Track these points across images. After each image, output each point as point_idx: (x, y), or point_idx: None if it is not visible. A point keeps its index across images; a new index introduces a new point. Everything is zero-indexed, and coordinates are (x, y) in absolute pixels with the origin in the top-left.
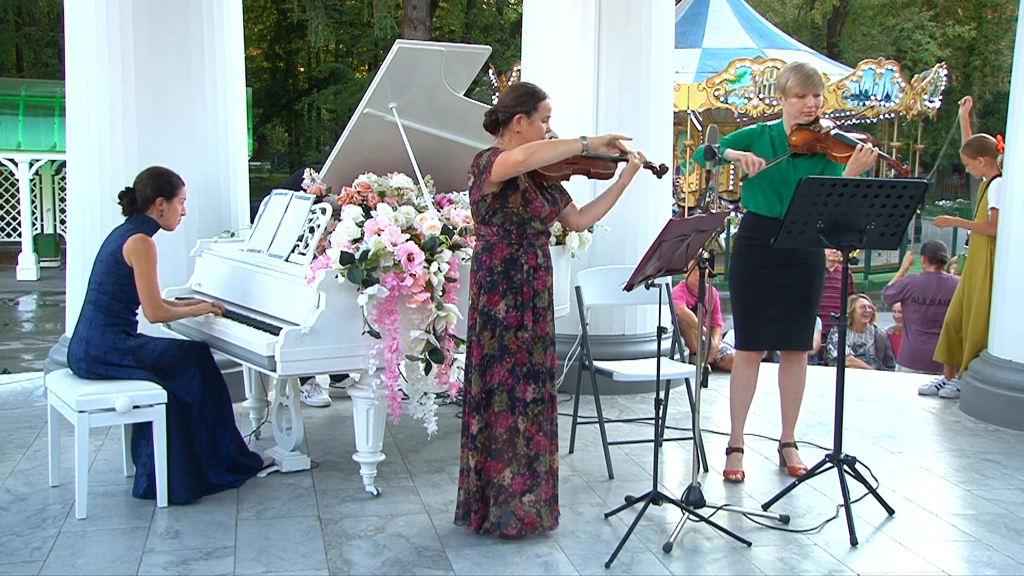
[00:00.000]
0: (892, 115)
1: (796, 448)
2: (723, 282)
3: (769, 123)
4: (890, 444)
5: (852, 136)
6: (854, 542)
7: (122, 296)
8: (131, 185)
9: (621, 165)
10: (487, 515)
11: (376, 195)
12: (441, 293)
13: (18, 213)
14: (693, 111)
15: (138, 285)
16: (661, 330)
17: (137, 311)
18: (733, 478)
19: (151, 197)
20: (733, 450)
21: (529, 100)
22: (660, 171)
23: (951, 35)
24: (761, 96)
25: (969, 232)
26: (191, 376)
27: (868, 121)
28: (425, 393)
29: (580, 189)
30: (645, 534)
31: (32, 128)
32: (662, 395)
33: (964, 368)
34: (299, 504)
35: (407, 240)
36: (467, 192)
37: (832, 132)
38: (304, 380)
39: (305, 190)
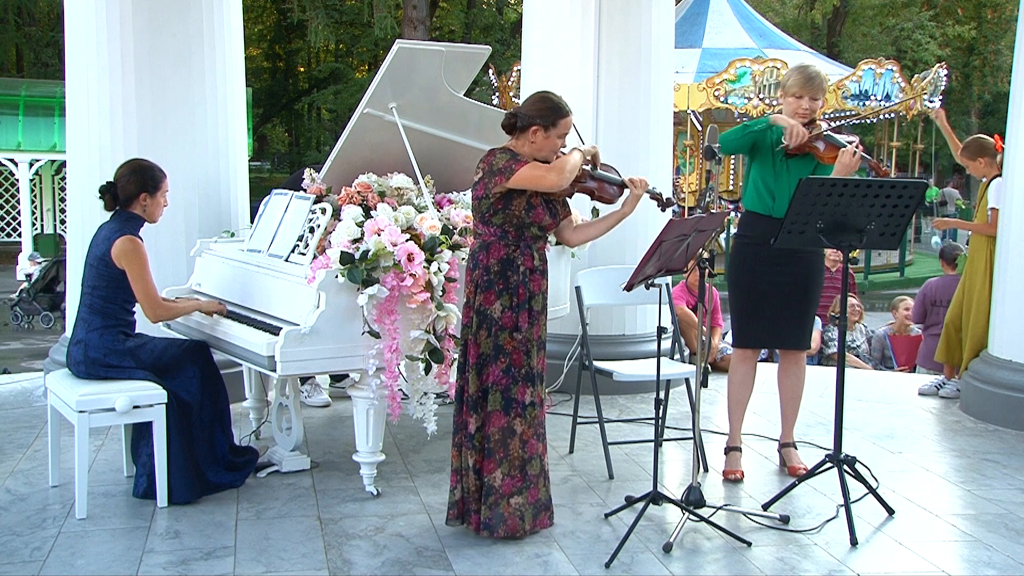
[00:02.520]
0: (892, 115)
1: (796, 448)
2: (723, 282)
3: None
4: (890, 444)
5: (842, 138)
6: (854, 542)
7: (116, 298)
8: (111, 179)
9: (626, 192)
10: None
11: (376, 195)
12: (441, 293)
13: (18, 213)
14: (693, 111)
15: (133, 288)
16: (661, 330)
17: (134, 310)
18: (732, 478)
19: (135, 193)
20: (731, 449)
21: (550, 115)
22: (664, 204)
23: (951, 35)
24: (761, 96)
25: (969, 232)
26: (191, 375)
27: (868, 121)
28: (425, 393)
29: (580, 204)
30: (645, 534)
31: (32, 128)
32: (662, 395)
33: (964, 368)
34: (299, 504)
35: (407, 240)
36: (470, 188)
37: (824, 133)
38: (304, 380)
39: (305, 190)
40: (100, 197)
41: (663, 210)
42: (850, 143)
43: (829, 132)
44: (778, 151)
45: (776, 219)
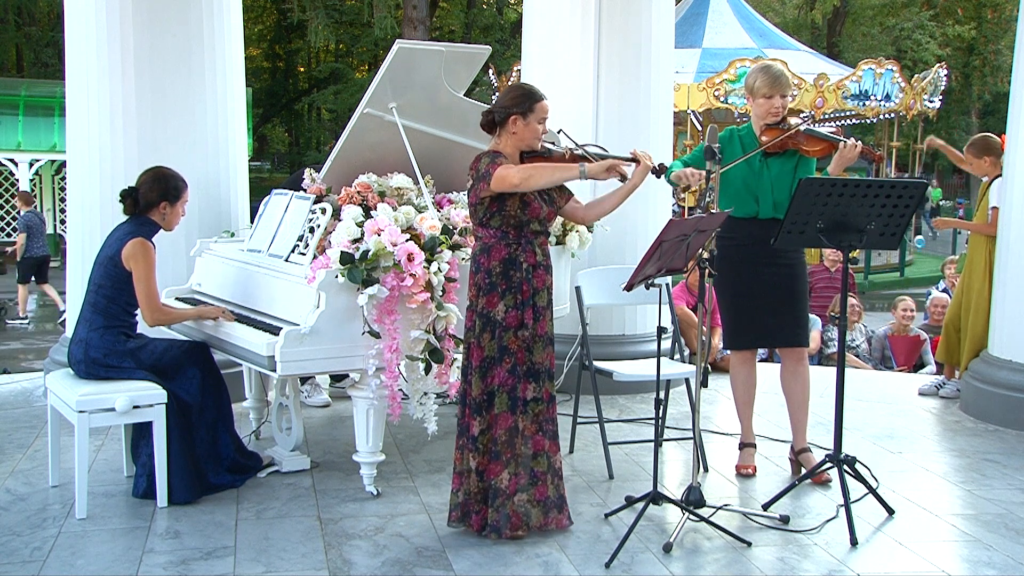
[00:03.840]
0: (892, 115)
1: (811, 452)
2: None
3: (738, 126)
4: (890, 444)
5: (825, 131)
6: (854, 542)
7: (120, 299)
8: (134, 184)
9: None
10: (487, 517)
11: (376, 195)
12: (441, 293)
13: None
14: (693, 111)
15: (136, 288)
16: (661, 330)
17: (136, 312)
18: (745, 472)
19: (156, 201)
20: (745, 445)
21: (525, 101)
22: (659, 170)
23: (951, 35)
24: None
25: (969, 232)
26: (191, 376)
27: (868, 121)
28: (425, 393)
29: (581, 188)
30: (645, 534)
31: (32, 128)
32: (662, 395)
33: (964, 368)
34: (299, 504)
35: (407, 240)
36: (466, 193)
37: (803, 128)
38: (304, 380)
39: (305, 190)
40: (121, 201)
41: (657, 177)
42: (832, 133)
43: (808, 126)
44: (756, 152)
45: (761, 220)
